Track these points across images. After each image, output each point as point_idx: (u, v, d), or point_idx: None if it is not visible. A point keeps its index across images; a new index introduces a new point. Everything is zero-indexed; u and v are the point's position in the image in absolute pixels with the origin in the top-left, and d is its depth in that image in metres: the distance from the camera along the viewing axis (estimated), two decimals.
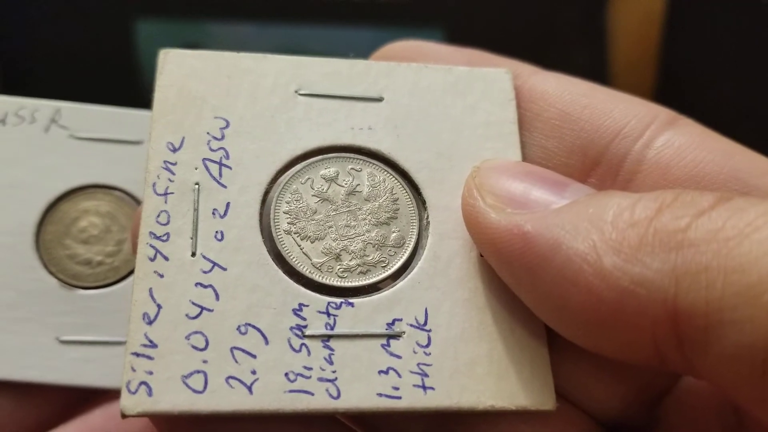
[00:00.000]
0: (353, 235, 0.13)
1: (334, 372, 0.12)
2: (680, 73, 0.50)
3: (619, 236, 0.10)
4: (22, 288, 0.16)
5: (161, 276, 0.12)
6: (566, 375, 0.13)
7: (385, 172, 0.13)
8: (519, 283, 0.12)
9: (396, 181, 0.13)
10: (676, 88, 0.50)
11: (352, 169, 0.13)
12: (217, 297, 0.12)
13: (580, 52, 0.46)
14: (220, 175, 0.13)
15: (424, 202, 0.13)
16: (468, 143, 0.13)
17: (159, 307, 0.12)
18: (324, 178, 0.13)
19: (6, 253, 0.16)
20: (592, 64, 0.46)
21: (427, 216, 0.13)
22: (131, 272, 0.16)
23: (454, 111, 0.13)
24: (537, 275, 0.11)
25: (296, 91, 0.13)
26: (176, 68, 0.13)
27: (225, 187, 0.12)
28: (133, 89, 0.39)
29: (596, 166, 0.13)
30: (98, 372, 0.15)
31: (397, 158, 0.13)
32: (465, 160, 0.13)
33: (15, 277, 0.16)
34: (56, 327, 0.15)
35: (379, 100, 0.13)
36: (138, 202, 0.17)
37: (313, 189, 0.13)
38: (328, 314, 0.12)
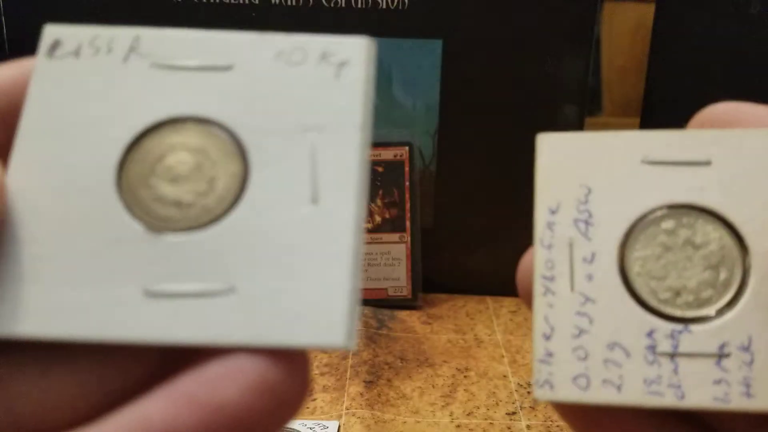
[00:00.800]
0: (689, 276, 0.16)
1: (678, 381, 0.16)
2: (669, 82, 0.51)
3: None
4: (104, 235, 0.14)
5: (551, 306, 0.16)
6: None
7: (715, 224, 0.16)
8: None
9: (724, 231, 0.16)
10: (664, 96, 0.52)
11: (687, 221, 0.16)
12: (591, 322, 0.16)
13: (573, 61, 0.47)
14: (587, 231, 0.16)
15: (747, 249, 0.16)
16: None
17: (552, 328, 0.16)
18: (664, 230, 0.17)
19: (85, 197, 0.14)
20: (584, 73, 0.47)
21: (750, 260, 0.16)
22: (226, 212, 0.14)
23: None
24: None
25: (641, 160, 0.17)
26: (550, 149, 0.17)
27: (590, 240, 0.16)
28: None
29: None
30: (192, 327, 0.13)
31: (724, 213, 0.16)
32: None
33: (95, 223, 0.14)
34: (144, 277, 0.13)
35: (708, 163, 0.16)
36: (232, 134, 0.14)
37: (656, 239, 0.17)
38: (673, 337, 0.16)
